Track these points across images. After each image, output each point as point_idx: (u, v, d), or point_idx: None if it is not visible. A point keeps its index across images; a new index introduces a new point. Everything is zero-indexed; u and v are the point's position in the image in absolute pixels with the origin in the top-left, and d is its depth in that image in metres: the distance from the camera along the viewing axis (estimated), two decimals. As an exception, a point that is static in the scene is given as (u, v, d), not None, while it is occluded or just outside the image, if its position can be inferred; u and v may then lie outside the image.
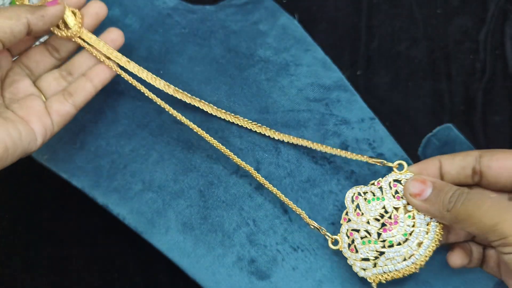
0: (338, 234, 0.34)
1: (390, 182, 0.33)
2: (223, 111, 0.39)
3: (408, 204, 0.32)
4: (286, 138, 0.38)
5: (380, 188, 0.33)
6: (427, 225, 0.32)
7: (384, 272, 0.32)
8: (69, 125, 0.42)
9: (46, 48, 0.38)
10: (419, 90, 0.45)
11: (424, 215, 0.32)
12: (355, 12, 0.47)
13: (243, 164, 0.37)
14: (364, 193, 0.34)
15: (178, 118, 0.38)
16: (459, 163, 0.31)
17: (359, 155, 0.35)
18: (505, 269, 0.31)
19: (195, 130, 0.38)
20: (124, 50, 0.43)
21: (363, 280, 0.35)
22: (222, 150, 0.38)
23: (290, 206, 0.35)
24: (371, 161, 0.35)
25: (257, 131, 0.39)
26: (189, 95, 0.39)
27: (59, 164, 0.41)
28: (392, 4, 0.47)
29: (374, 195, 0.33)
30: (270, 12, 0.43)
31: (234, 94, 0.41)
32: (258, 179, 0.36)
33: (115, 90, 0.42)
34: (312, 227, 0.35)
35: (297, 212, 0.35)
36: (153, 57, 0.43)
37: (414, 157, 0.40)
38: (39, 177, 0.46)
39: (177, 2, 0.44)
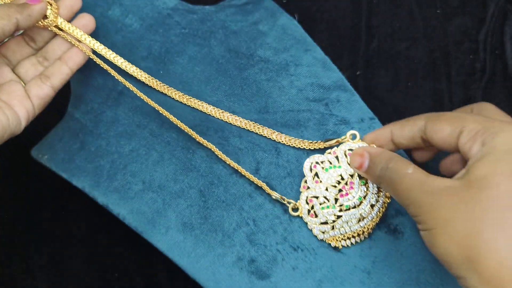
0: (298, 201, 0.36)
1: (345, 151, 0.36)
2: (196, 100, 0.39)
3: None
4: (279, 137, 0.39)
5: (336, 157, 0.36)
6: (378, 189, 0.36)
7: (341, 234, 0.36)
8: (69, 125, 0.42)
9: (23, 38, 0.40)
10: (418, 90, 0.45)
11: None
12: (355, 12, 0.47)
13: (235, 166, 0.37)
14: (322, 162, 0.36)
15: (165, 116, 0.38)
16: (407, 134, 0.33)
17: (316, 142, 0.38)
18: None
19: (183, 129, 0.38)
20: (125, 50, 0.43)
21: (363, 280, 0.35)
22: (216, 152, 0.38)
23: (253, 180, 0.37)
24: (327, 144, 0.37)
25: (252, 130, 0.39)
26: (161, 83, 0.41)
27: (59, 164, 0.41)
28: (391, 4, 0.47)
29: (331, 164, 0.36)
30: (270, 12, 0.43)
31: (234, 94, 0.41)
32: (254, 181, 0.37)
33: (115, 90, 0.42)
34: (274, 197, 0.37)
35: (259, 185, 0.37)
36: (153, 57, 0.43)
37: (414, 157, 0.40)
38: (39, 177, 0.46)
39: (177, 2, 0.44)
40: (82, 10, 0.43)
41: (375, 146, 0.35)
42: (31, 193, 0.47)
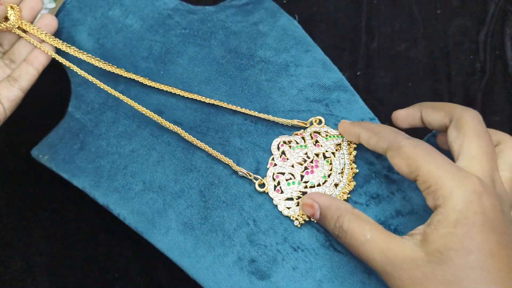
0: (265, 178, 0.38)
1: (311, 133, 0.38)
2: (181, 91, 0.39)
3: (327, 151, 0.37)
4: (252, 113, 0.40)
5: (303, 138, 0.38)
6: (342, 169, 0.37)
7: None
8: (70, 125, 0.42)
9: None
10: (419, 91, 0.45)
11: (339, 161, 0.37)
12: (355, 13, 0.47)
13: (225, 159, 0.37)
14: (289, 141, 0.38)
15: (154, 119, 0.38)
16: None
17: (288, 120, 0.39)
18: None
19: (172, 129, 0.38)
20: (125, 50, 0.43)
21: (363, 281, 0.35)
22: (210, 152, 0.38)
23: (220, 158, 0.38)
24: (295, 122, 0.38)
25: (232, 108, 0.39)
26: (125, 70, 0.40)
27: (59, 164, 0.41)
28: (392, 4, 0.47)
29: (297, 143, 0.38)
30: (270, 13, 0.43)
31: (234, 95, 0.41)
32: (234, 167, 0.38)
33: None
34: (240, 173, 0.38)
35: (226, 162, 0.38)
36: (153, 57, 0.43)
37: (414, 157, 0.40)
38: (39, 177, 0.46)
39: (177, 2, 0.44)
40: (82, 10, 0.43)
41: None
42: (31, 193, 0.47)
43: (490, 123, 0.43)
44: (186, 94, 0.40)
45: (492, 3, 0.47)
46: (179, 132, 0.39)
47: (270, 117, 0.39)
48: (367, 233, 0.29)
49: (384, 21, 0.47)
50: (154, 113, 0.40)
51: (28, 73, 0.40)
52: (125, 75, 0.41)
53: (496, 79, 0.45)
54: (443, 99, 0.44)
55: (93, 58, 0.42)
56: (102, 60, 0.42)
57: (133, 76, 0.41)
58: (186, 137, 0.39)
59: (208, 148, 0.39)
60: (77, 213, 0.46)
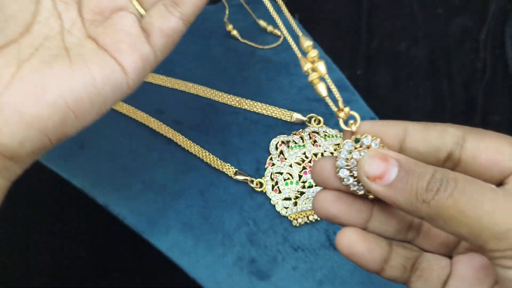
0: (263, 177, 0.37)
1: (309, 133, 0.38)
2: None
3: (325, 151, 0.37)
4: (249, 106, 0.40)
5: (301, 137, 0.38)
6: None
7: (303, 210, 0.37)
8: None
9: None
10: (419, 90, 0.45)
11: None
12: (356, 12, 0.47)
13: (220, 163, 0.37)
14: (287, 141, 0.38)
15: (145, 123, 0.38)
16: (433, 142, 0.23)
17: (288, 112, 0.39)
18: None
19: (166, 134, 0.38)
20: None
21: (363, 281, 0.35)
22: (206, 160, 0.38)
23: (217, 167, 0.38)
24: (294, 114, 0.38)
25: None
26: None
27: (59, 164, 0.41)
28: (392, 4, 0.47)
29: (296, 143, 0.38)
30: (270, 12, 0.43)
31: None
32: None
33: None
34: (236, 179, 0.37)
35: (222, 170, 0.38)
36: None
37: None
38: (39, 177, 0.46)
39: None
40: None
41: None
42: (31, 193, 0.47)
43: (490, 123, 0.43)
44: (188, 88, 0.40)
45: (493, 3, 0.47)
46: (175, 138, 0.39)
47: (271, 108, 0.39)
48: (490, 184, 0.21)
49: (385, 20, 0.47)
50: (154, 113, 0.40)
51: None
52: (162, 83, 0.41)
53: (496, 78, 0.45)
54: (444, 98, 0.44)
55: None
56: None
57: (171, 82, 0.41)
58: (185, 145, 0.39)
59: (207, 155, 0.38)
60: (77, 213, 0.46)
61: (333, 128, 0.39)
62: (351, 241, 0.24)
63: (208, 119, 0.40)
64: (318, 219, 0.37)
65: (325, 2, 0.48)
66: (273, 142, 0.38)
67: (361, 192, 0.24)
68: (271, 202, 0.37)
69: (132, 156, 0.40)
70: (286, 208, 0.37)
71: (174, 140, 0.39)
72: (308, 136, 0.38)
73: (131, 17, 0.25)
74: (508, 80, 0.44)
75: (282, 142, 0.38)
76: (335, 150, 0.38)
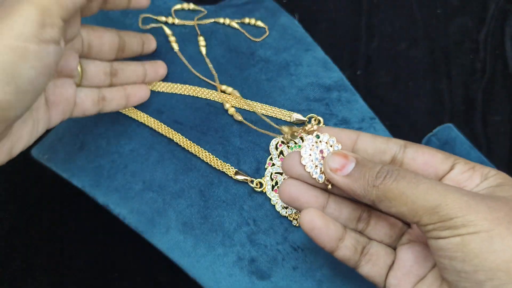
0: (263, 178, 0.38)
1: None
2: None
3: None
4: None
5: (301, 138, 0.37)
6: None
7: None
8: (70, 125, 0.42)
9: (118, 35, 0.37)
10: (419, 90, 0.45)
11: None
12: (355, 12, 0.47)
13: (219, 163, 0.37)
14: (287, 142, 0.38)
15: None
16: (380, 145, 0.29)
17: (288, 112, 0.39)
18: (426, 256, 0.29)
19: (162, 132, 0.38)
20: (125, 50, 0.43)
21: (363, 281, 0.35)
22: (207, 161, 0.38)
23: (217, 167, 0.38)
24: (294, 114, 0.38)
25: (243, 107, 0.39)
26: None
27: (59, 164, 0.41)
28: (392, 4, 0.47)
29: (295, 144, 0.37)
30: (271, 12, 0.43)
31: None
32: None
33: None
34: (236, 179, 0.37)
35: (222, 170, 0.38)
36: (153, 57, 0.43)
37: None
38: (39, 177, 0.46)
39: (177, 2, 0.44)
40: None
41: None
42: (31, 193, 0.47)
43: (490, 123, 0.43)
44: (186, 91, 0.40)
45: (492, 3, 0.47)
46: (176, 138, 0.39)
47: (271, 108, 0.39)
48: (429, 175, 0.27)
49: (385, 20, 0.47)
50: (154, 113, 0.40)
51: (118, 104, 0.37)
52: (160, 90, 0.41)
53: (496, 78, 0.45)
54: (444, 98, 0.44)
55: None
56: None
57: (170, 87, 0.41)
58: (185, 145, 0.39)
59: (207, 155, 0.39)
60: (77, 213, 0.46)
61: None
62: (312, 217, 0.29)
63: (208, 119, 0.40)
64: None
65: (325, 2, 0.48)
66: (273, 142, 0.38)
67: (322, 180, 0.30)
68: (271, 202, 0.37)
69: (132, 156, 0.40)
70: (286, 208, 0.37)
71: (174, 140, 0.39)
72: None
73: (74, 87, 0.34)
74: (508, 80, 0.44)
75: (282, 142, 0.38)
76: None
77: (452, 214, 0.24)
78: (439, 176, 0.28)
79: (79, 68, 0.34)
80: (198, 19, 0.43)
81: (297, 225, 0.36)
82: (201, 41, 0.41)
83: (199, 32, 0.42)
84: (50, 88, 0.32)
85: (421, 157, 0.28)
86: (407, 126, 0.43)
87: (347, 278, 0.35)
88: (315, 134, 0.31)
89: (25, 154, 0.43)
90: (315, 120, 0.38)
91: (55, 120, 0.33)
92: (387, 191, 0.26)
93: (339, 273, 0.36)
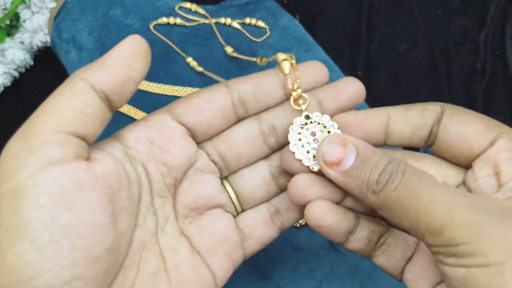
0: None
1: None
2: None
3: None
4: None
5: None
6: None
7: None
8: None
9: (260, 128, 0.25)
10: (419, 91, 0.45)
11: None
12: (356, 13, 0.47)
13: None
14: None
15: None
16: (415, 120, 0.23)
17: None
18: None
19: None
20: (125, 50, 0.43)
21: (363, 281, 0.35)
22: None
23: None
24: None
25: None
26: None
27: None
28: (392, 5, 0.47)
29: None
30: (271, 13, 0.43)
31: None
32: None
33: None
34: None
35: None
36: (154, 57, 0.42)
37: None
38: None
39: (178, 2, 0.44)
40: (83, 9, 0.42)
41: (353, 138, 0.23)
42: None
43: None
44: (187, 91, 0.40)
45: (493, 4, 0.47)
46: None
47: None
48: (438, 177, 0.21)
49: (385, 21, 0.47)
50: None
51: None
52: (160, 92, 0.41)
53: (496, 79, 0.45)
54: (444, 99, 0.44)
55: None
56: None
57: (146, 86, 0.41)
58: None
59: None
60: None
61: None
62: (320, 213, 0.23)
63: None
64: None
65: (326, 3, 0.48)
66: None
67: (316, 168, 0.24)
68: None
69: (132, 156, 0.40)
70: None
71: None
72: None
73: (227, 218, 0.24)
74: (508, 81, 0.44)
75: None
76: None
77: (458, 239, 0.19)
78: (473, 155, 0.22)
79: (229, 193, 0.25)
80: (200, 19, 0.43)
81: (298, 225, 0.36)
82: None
83: (216, 31, 0.42)
84: (193, 233, 0.24)
85: (455, 126, 0.22)
86: (407, 127, 0.43)
87: (347, 279, 0.36)
88: (304, 114, 0.25)
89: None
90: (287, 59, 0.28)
91: (224, 269, 0.25)
92: (387, 201, 0.21)
93: (339, 273, 0.36)
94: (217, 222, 0.24)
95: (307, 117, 0.25)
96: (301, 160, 0.24)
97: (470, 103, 0.44)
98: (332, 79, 0.40)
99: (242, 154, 0.25)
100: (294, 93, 0.25)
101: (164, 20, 0.43)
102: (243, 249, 0.25)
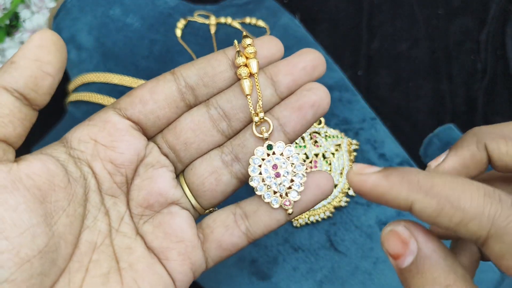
0: None
1: (310, 134, 0.38)
2: None
3: (326, 151, 0.37)
4: None
5: (302, 138, 0.38)
6: (341, 170, 0.37)
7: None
8: (70, 125, 0.42)
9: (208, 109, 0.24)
10: (420, 91, 0.45)
11: (338, 162, 0.36)
12: (356, 12, 0.47)
13: None
14: None
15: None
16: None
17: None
18: None
19: None
20: (125, 49, 0.43)
21: (363, 281, 0.35)
22: None
23: None
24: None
25: None
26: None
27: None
28: (393, 4, 0.47)
29: (296, 143, 0.37)
30: (271, 12, 0.43)
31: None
32: None
33: (116, 90, 0.42)
34: None
35: None
36: (154, 56, 0.43)
37: (416, 157, 0.40)
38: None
39: (178, 2, 0.44)
40: (83, 9, 0.42)
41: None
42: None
43: (491, 123, 0.43)
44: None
45: (493, 3, 0.47)
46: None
47: None
48: None
49: (385, 20, 0.47)
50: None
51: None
52: (123, 84, 0.41)
53: (497, 79, 0.45)
54: (445, 99, 0.44)
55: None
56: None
57: (131, 82, 0.41)
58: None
59: None
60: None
61: (334, 128, 0.39)
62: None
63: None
64: (319, 220, 0.36)
65: (326, 2, 0.48)
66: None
67: (276, 205, 0.23)
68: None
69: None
70: None
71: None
72: (309, 136, 0.38)
73: (183, 215, 0.23)
74: (509, 81, 0.44)
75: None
76: (336, 150, 0.37)
77: None
78: None
79: (183, 189, 0.24)
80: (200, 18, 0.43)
81: (298, 225, 0.36)
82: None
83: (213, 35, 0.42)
84: (147, 232, 0.23)
85: None
86: (408, 127, 0.43)
87: (347, 279, 0.35)
88: (266, 144, 0.23)
89: (26, 153, 0.43)
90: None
91: (181, 271, 0.23)
92: None
93: (339, 273, 0.36)
94: (171, 220, 0.23)
95: (269, 147, 0.23)
96: (261, 196, 0.23)
97: (470, 103, 0.44)
98: (332, 79, 0.40)
99: (190, 143, 0.23)
100: (256, 118, 0.23)
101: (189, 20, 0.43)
102: (204, 252, 0.24)
